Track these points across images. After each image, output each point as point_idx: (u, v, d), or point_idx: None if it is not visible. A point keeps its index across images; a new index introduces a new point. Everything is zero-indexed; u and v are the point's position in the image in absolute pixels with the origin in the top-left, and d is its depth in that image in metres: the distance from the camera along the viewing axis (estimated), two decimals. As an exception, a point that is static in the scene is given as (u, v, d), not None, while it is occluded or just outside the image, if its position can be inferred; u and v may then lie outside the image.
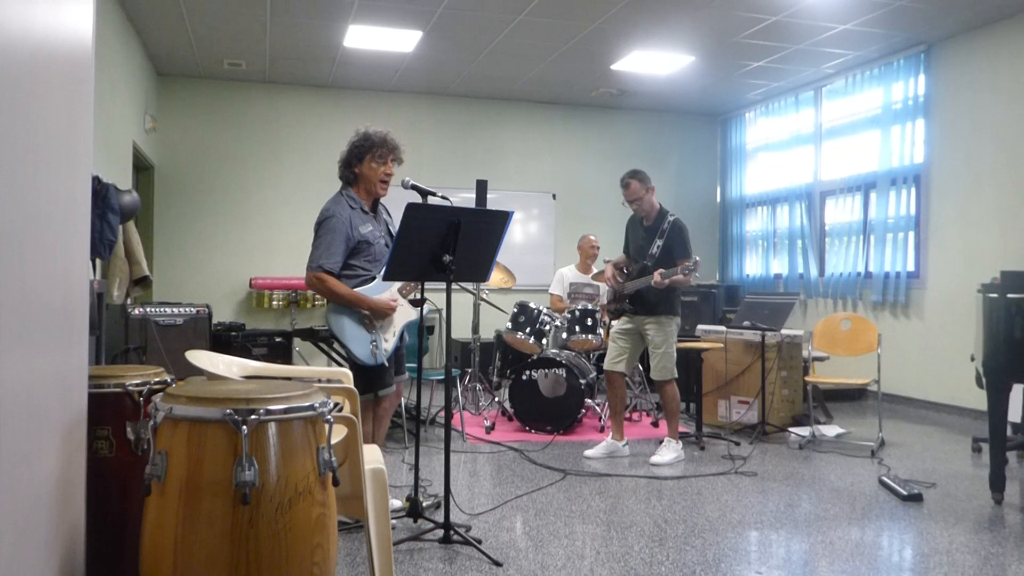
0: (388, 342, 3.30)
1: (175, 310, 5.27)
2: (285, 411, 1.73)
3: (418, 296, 3.31)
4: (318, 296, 6.63)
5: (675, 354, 4.45)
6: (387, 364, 3.30)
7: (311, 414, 1.78)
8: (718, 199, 9.12)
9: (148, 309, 5.19)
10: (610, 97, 8.26)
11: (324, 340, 5.34)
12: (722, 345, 5.53)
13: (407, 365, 4.14)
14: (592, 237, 6.36)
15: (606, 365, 4.61)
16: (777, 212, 8.14)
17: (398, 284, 3.36)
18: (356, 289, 3.27)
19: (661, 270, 4.25)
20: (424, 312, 3.30)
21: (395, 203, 3.35)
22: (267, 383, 1.98)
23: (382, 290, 3.33)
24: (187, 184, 7.59)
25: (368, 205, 3.40)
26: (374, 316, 3.29)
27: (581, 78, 7.53)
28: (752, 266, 8.53)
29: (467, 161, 8.29)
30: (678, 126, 9.00)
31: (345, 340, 3.24)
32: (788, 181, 7.94)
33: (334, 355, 5.46)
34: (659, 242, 4.43)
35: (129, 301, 5.34)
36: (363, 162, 3.35)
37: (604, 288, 6.25)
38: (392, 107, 8.07)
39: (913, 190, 6.59)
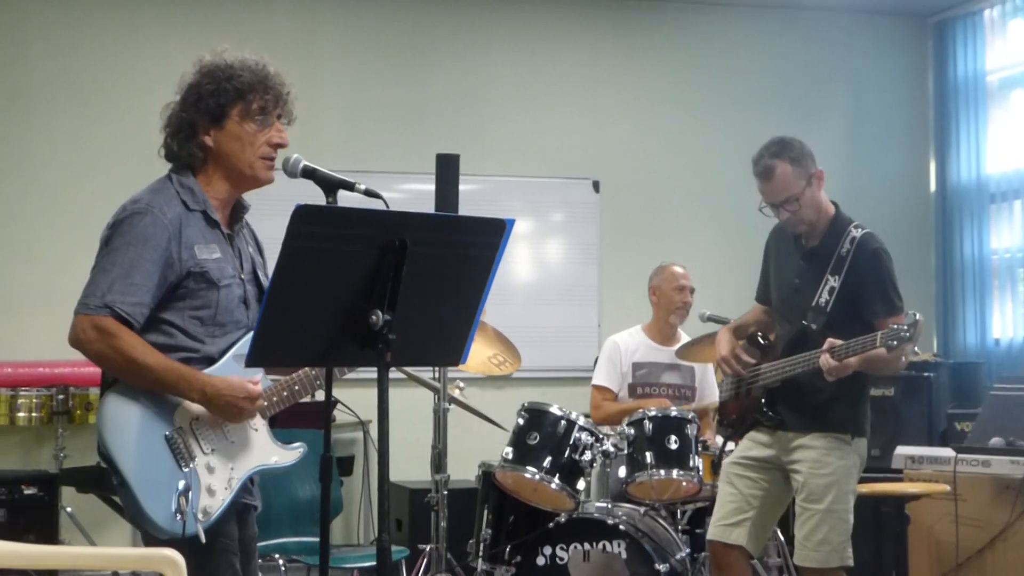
0: (215, 494, 3.20)
1: None
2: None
3: (317, 396, 3.32)
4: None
5: (851, 518, 4.48)
6: (203, 538, 3.13)
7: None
8: (931, 185, 9.22)
9: None
10: (705, -16, 8.42)
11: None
12: (948, 488, 5.53)
13: (292, 540, 4.11)
14: (679, 270, 6.39)
15: (712, 532, 4.66)
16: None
17: (260, 375, 3.38)
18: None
19: (835, 341, 4.29)
20: (333, 427, 3.31)
21: (272, 205, 3.38)
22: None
23: (233, 374, 3.31)
24: None
25: (224, 211, 3.45)
26: (204, 423, 3.26)
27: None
28: (1006, 323, 8.56)
29: (417, 121, 8.38)
30: (844, 39, 9.13)
31: (126, 473, 3.12)
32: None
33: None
34: (833, 281, 4.50)
35: None
36: (224, 121, 3.36)
37: (702, 373, 6.28)
38: (263, 18, 8.14)
39: None
